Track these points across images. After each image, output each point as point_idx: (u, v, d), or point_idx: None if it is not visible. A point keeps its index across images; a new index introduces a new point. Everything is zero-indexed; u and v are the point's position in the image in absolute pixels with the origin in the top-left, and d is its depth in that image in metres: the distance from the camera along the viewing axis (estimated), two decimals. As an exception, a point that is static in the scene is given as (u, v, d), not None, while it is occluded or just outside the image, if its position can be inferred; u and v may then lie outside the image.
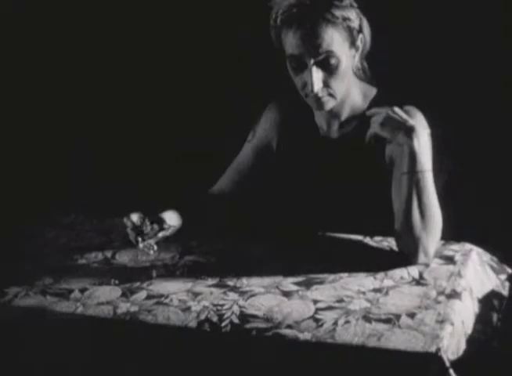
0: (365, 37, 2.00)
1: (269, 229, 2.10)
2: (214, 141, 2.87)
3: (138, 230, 1.96)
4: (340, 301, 1.75)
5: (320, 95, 1.98)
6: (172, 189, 2.67)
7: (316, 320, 1.68)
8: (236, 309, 1.74)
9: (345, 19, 1.94)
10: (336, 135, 2.12)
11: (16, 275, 1.94)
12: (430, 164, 1.91)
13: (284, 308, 1.73)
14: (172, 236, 2.05)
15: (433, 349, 1.57)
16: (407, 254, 1.89)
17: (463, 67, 2.65)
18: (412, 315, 1.68)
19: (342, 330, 1.64)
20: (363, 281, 1.83)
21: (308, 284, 1.82)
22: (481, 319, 1.81)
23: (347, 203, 2.07)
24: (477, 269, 1.90)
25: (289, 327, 1.67)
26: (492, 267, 1.95)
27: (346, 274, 1.86)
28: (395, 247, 1.94)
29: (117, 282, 1.88)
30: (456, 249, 1.96)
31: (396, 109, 1.89)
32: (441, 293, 1.76)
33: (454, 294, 1.76)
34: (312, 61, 1.94)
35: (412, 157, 1.88)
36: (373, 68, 2.13)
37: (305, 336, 1.63)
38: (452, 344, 1.63)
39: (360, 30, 1.99)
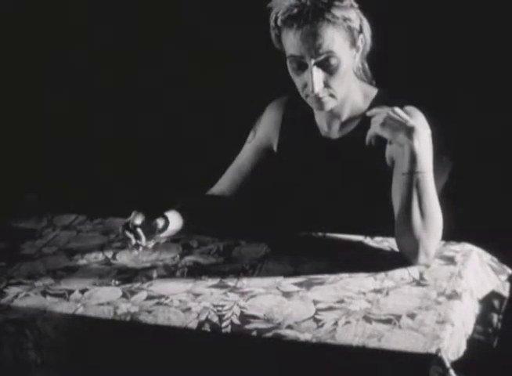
0: (365, 38, 2.00)
1: (269, 229, 2.10)
2: (215, 141, 2.87)
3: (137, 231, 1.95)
4: (341, 301, 1.75)
5: (321, 95, 1.98)
6: (173, 189, 2.67)
7: (317, 321, 1.68)
8: (236, 309, 1.74)
9: (346, 19, 1.94)
10: (336, 136, 2.12)
11: (16, 275, 1.94)
12: (430, 164, 1.90)
13: (284, 308, 1.74)
14: (173, 237, 2.05)
15: (433, 350, 1.57)
16: (407, 255, 1.89)
17: (463, 67, 2.65)
18: (412, 315, 1.68)
19: (342, 330, 1.64)
20: (364, 282, 1.83)
21: (308, 285, 1.82)
22: (482, 319, 1.81)
23: (347, 203, 2.07)
24: (477, 270, 1.90)
25: (289, 327, 1.67)
26: (492, 268, 1.95)
27: (346, 275, 1.86)
28: (396, 248, 1.94)
29: (117, 283, 1.88)
30: (456, 250, 1.96)
31: (397, 109, 1.89)
32: (441, 293, 1.76)
33: (454, 295, 1.76)
34: (313, 61, 1.94)
35: (413, 157, 1.88)
36: (374, 68, 2.13)
37: (306, 337, 1.63)
38: (453, 344, 1.63)
39: (360, 31, 1.98)
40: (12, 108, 3.17)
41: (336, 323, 1.67)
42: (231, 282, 1.86)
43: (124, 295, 1.83)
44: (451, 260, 1.91)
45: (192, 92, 2.98)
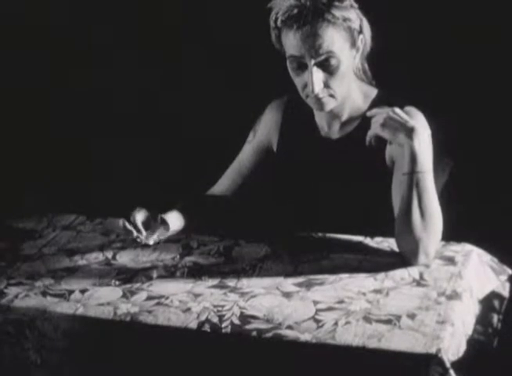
0: (365, 38, 2.00)
1: (269, 229, 2.10)
2: (215, 141, 2.87)
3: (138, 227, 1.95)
4: (341, 302, 1.75)
5: (321, 95, 1.98)
6: (173, 189, 2.67)
7: (317, 321, 1.68)
8: (236, 309, 1.74)
9: (345, 19, 1.94)
10: (336, 136, 2.12)
11: (16, 275, 1.94)
12: (430, 164, 1.90)
13: (284, 309, 1.73)
14: (173, 237, 2.05)
15: (433, 350, 1.57)
16: (407, 255, 1.89)
17: (462, 67, 2.65)
18: (412, 316, 1.68)
19: (342, 331, 1.64)
20: (364, 282, 1.83)
21: (308, 285, 1.82)
22: (482, 320, 1.81)
23: (347, 203, 2.07)
24: (477, 270, 1.90)
25: (289, 327, 1.67)
26: (492, 268, 1.95)
27: (346, 275, 1.86)
28: (396, 248, 1.94)
29: (117, 283, 1.88)
30: (456, 250, 1.96)
31: (397, 109, 1.89)
32: (441, 294, 1.76)
33: (454, 295, 1.76)
34: (313, 62, 1.94)
35: (413, 157, 1.87)
36: (374, 68, 2.13)
37: (306, 337, 1.63)
38: (453, 345, 1.63)
39: (360, 31, 1.98)
40: (12, 108, 3.17)
41: (336, 324, 1.67)
42: (231, 282, 1.86)
43: (124, 295, 1.83)
44: (451, 260, 1.91)
45: (192, 92, 2.98)
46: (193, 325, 1.70)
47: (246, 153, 2.22)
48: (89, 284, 1.88)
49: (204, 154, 2.92)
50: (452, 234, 1.97)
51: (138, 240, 1.95)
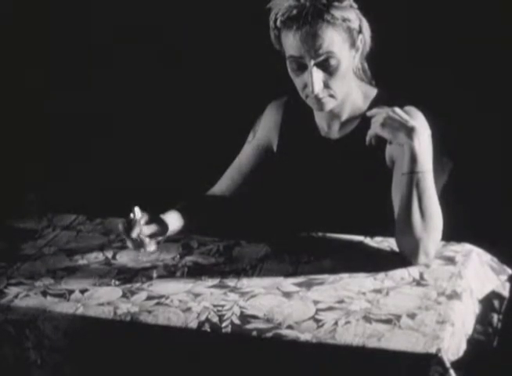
0: (365, 38, 2.00)
1: (269, 229, 2.10)
2: (215, 141, 2.87)
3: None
4: (341, 301, 1.75)
5: (320, 96, 1.98)
6: (173, 189, 2.67)
7: (317, 321, 1.68)
8: (236, 309, 1.74)
9: (345, 20, 1.94)
10: (336, 136, 2.12)
11: (16, 275, 1.94)
12: (430, 164, 1.90)
13: (285, 308, 1.74)
14: (173, 237, 2.05)
15: (433, 350, 1.57)
16: (407, 255, 1.89)
17: (463, 67, 2.65)
18: (412, 315, 1.68)
19: (342, 330, 1.64)
20: (364, 282, 1.83)
21: (308, 285, 1.82)
22: (482, 319, 1.81)
23: (347, 203, 2.07)
24: (477, 270, 1.90)
25: (289, 327, 1.67)
26: (492, 268, 1.95)
27: (346, 275, 1.86)
28: (396, 248, 1.94)
29: (117, 283, 1.88)
30: (456, 250, 1.96)
31: (397, 109, 1.89)
32: (441, 294, 1.76)
33: (454, 295, 1.76)
34: (312, 62, 1.94)
35: (413, 157, 1.87)
36: (374, 68, 2.13)
37: (306, 337, 1.63)
38: (453, 344, 1.63)
39: (360, 31, 1.98)
40: (12, 108, 3.17)
41: (336, 323, 1.67)
42: (231, 282, 1.86)
43: (124, 295, 1.83)
44: (451, 260, 1.91)
45: (192, 93, 2.98)
46: (193, 325, 1.70)
47: (246, 154, 2.22)
48: (89, 284, 1.88)
49: (204, 154, 2.92)
50: (452, 234, 1.97)
51: (131, 247, 1.94)
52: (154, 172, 3.05)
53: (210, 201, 2.19)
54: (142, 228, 1.93)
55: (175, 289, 1.84)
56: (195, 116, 2.98)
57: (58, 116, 3.14)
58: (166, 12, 2.95)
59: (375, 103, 2.07)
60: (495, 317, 1.85)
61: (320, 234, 2.06)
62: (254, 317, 1.71)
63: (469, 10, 2.59)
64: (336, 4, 1.93)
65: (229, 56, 2.87)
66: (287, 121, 2.19)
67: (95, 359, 1.76)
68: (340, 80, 1.98)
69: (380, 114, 1.90)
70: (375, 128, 1.91)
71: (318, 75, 1.95)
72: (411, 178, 1.88)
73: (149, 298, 1.81)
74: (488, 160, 2.68)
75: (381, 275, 1.85)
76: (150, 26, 2.99)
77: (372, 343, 1.60)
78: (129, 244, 1.94)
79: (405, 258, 1.90)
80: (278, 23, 1.96)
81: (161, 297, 1.81)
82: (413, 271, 1.86)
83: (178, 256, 2.00)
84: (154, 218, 1.98)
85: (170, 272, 1.92)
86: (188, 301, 1.78)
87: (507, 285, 1.94)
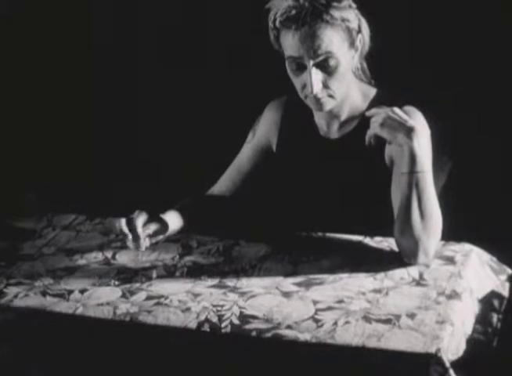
0: (364, 38, 2.00)
1: (269, 229, 2.10)
2: (214, 141, 2.87)
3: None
4: (340, 301, 1.75)
5: (320, 96, 1.98)
6: (172, 189, 2.67)
7: (316, 321, 1.68)
8: (235, 309, 1.74)
9: (344, 20, 1.94)
10: (336, 136, 2.12)
11: (16, 275, 1.94)
12: (430, 164, 1.90)
13: (284, 308, 1.73)
14: (172, 237, 2.05)
15: (433, 350, 1.57)
16: (407, 255, 1.89)
17: (463, 67, 2.65)
18: (412, 315, 1.68)
19: (342, 330, 1.64)
20: (363, 282, 1.83)
21: (307, 285, 1.82)
22: (481, 319, 1.81)
23: (347, 203, 2.07)
24: (477, 270, 1.90)
25: (289, 327, 1.67)
26: (491, 267, 1.95)
27: (346, 275, 1.86)
28: (395, 248, 1.94)
29: (116, 283, 1.88)
30: (455, 250, 1.95)
31: (396, 109, 1.89)
32: (441, 293, 1.76)
33: (454, 295, 1.76)
34: (312, 62, 1.94)
35: (412, 157, 1.87)
36: (373, 68, 2.12)
37: (305, 336, 1.63)
38: (452, 344, 1.63)
39: (359, 31, 1.98)
40: (11, 108, 3.17)
41: (335, 323, 1.67)
42: (230, 282, 1.86)
43: (123, 295, 1.83)
44: (451, 260, 1.91)
45: (192, 93, 2.98)
46: (193, 325, 1.70)
47: (246, 154, 2.22)
48: (89, 284, 1.88)
49: (204, 154, 2.92)
50: (452, 234, 1.97)
51: (131, 246, 1.94)
52: (154, 172, 3.05)
53: (210, 201, 2.19)
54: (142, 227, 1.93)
55: (175, 289, 1.84)
56: (195, 116, 2.98)
57: (58, 116, 3.14)
58: (166, 12, 2.95)
59: (374, 102, 2.07)
60: (494, 317, 1.85)
61: (320, 234, 2.06)
62: (254, 317, 1.71)
63: (469, 9, 2.59)
64: (335, 4, 1.93)
65: (229, 56, 2.87)
66: (286, 120, 2.19)
67: (95, 359, 1.76)
68: (340, 80, 1.98)
69: (379, 114, 1.90)
70: (374, 128, 1.90)
71: (317, 75, 1.95)
72: (410, 179, 1.88)
73: (149, 298, 1.81)
74: (488, 160, 2.67)
75: (381, 275, 1.85)
76: (150, 25, 2.99)
77: (371, 343, 1.60)
78: (129, 242, 1.94)
79: (404, 258, 1.90)
80: (277, 23, 1.96)
81: (161, 297, 1.81)
82: (413, 271, 1.86)
83: (178, 256, 2.00)
84: (154, 217, 1.98)
85: (169, 272, 1.92)
86: (187, 302, 1.78)
87: (507, 285, 1.94)
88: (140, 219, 1.93)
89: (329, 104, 2.00)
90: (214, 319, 1.71)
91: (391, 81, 2.11)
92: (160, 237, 2.00)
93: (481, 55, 2.63)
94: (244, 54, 2.79)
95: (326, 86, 1.97)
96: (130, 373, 1.75)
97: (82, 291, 1.85)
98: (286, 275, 1.87)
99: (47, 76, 3.12)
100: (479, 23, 2.59)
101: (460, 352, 1.64)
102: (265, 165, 2.20)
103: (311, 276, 1.86)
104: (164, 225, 2.00)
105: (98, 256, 2.02)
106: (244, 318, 1.71)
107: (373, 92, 2.10)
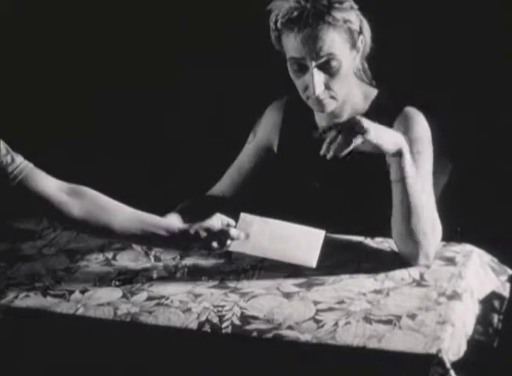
0: (365, 39, 2.00)
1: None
2: (215, 142, 2.87)
3: None
4: (341, 302, 1.75)
5: (322, 97, 1.97)
6: (173, 190, 2.67)
7: (317, 321, 1.68)
8: (236, 310, 1.74)
9: (346, 21, 1.94)
10: (336, 136, 2.11)
11: (17, 276, 1.94)
12: (427, 167, 1.90)
13: (285, 309, 1.74)
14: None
15: (434, 350, 1.57)
16: (407, 258, 1.89)
17: (463, 67, 2.65)
18: (412, 316, 1.68)
19: (343, 331, 1.64)
20: (364, 282, 1.83)
21: (308, 286, 1.82)
22: (482, 320, 1.81)
23: (347, 204, 2.07)
24: (477, 271, 1.90)
25: (289, 328, 1.67)
26: (492, 268, 1.95)
27: (347, 275, 1.86)
28: (396, 249, 1.94)
29: (117, 283, 1.88)
30: (456, 250, 1.96)
31: (337, 125, 1.84)
32: (441, 294, 1.76)
33: (455, 296, 1.76)
34: (313, 64, 1.94)
35: (401, 164, 1.86)
36: (374, 69, 2.12)
37: (306, 337, 1.63)
38: (453, 345, 1.63)
39: (361, 32, 1.98)
40: (11, 108, 3.17)
41: (336, 324, 1.67)
42: (231, 283, 1.86)
43: (124, 296, 1.83)
44: (451, 261, 1.91)
45: (192, 93, 2.98)
46: (194, 325, 1.70)
47: (247, 154, 2.22)
48: (89, 285, 1.88)
49: (204, 155, 2.92)
50: (452, 234, 1.97)
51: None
52: (154, 173, 3.05)
53: (211, 202, 2.19)
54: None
55: (175, 290, 1.84)
56: (195, 116, 2.98)
57: (58, 115, 3.14)
58: (166, 13, 2.95)
59: (375, 103, 2.07)
60: (495, 318, 1.85)
61: (320, 234, 2.06)
62: (255, 318, 1.71)
63: (469, 11, 2.59)
64: (336, 5, 1.93)
65: (230, 56, 2.87)
66: (287, 121, 2.19)
67: (95, 359, 1.76)
68: (341, 81, 1.98)
69: (330, 135, 1.84)
70: (340, 148, 1.84)
71: (319, 77, 1.95)
72: (404, 183, 1.87)
73: (150, 298, 1.81)
74: (488, 160, 2.67)
75: (381, 275, 1.85)
76: (150, 27, 2.99)
77: (372, 344, 1.60)
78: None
79: (405, 259, 1.90)
80: (278, 24, 1.95)
81: (161, 297, 1.81)
82: (414, 272, 1.86)
83: (179, 257, 2.00)
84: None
85: (170, 273, 1.92)
86: (188, 302, 1.78)
87: (507, 285, 1.94)
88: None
89: (331, 105, 2.00)
90: (215, 320, 1.71)
91: (391, 82, 2.11)
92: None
93: (481, 55, 2.63)
94: (245, 55, 2.79)
95: (328, 87, 1.97)
96: (131, 373, 1.75)
97: (83, 292, 1.85)
98: (287, 276, 1.87)
99: (47, 76, 3.11)
100: (479, 23, 2.59)
101: (461, 353, 1.64)
102: (266, 166, 2.20)
103: (312, 277, 1.86)
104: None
105: (98, 257, 2.02)
106: (245, 318, 1.71)
107: (373, 92, 2.10)
